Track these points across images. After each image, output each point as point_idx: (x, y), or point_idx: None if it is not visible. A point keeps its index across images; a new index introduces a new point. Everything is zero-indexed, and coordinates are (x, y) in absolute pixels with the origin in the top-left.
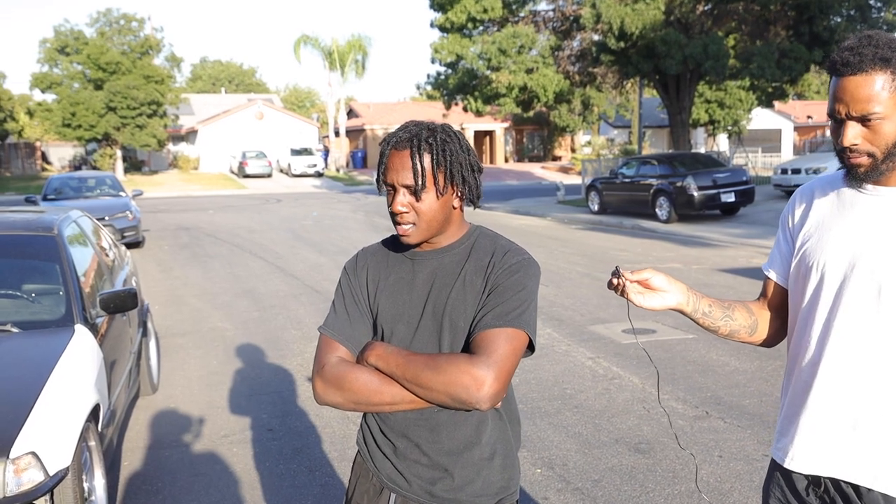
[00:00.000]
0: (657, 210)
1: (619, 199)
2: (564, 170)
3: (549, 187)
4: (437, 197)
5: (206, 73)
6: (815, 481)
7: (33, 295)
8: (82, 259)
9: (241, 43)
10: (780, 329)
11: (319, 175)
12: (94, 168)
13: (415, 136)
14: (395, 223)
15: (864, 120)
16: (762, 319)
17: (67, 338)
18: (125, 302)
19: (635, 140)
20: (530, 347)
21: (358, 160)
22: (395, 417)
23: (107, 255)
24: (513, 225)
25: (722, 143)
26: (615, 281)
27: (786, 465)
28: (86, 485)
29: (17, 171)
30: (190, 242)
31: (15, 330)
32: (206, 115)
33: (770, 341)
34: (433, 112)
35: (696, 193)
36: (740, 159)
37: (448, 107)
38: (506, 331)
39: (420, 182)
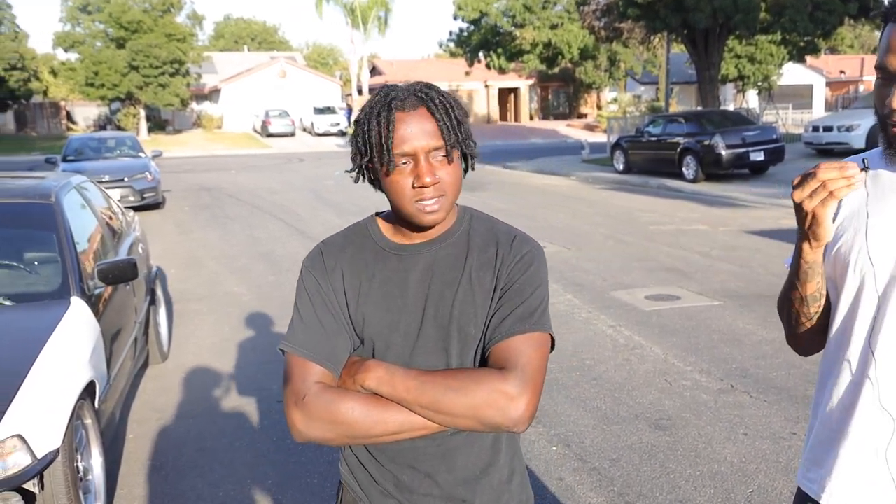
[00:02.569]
0: (684, 169)
1: (645, 158)
2: (590, 127)
3: (573, 146)
4: (460, 163)
5: (228, 31)
6: None
7: (29, 266)
8: (82, 227)
9: (264, 0)
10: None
11: (342, 134)
12: (119, 128)
13: (419, 92)
14: (421, 200)
15: None
16: (821, 316)
17: (62, 311)
18: (125, 272)
19: (662, 97)
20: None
21: None
22: (396, 446)
23: (111, 223)
24: (535, 184)
25: (751, 99)
26: (860, 174)
27: (823, 502)
28: (81, 464)
29: (43, 130)
30: (211, 203)
31: (8, 303)
32: (229, 74)
33: (813, 348)
34: (456, 69)
35: (723, 152)
36: (770, 116)
37: (471, 64)
38: (532, 336)
39: (452, 140)
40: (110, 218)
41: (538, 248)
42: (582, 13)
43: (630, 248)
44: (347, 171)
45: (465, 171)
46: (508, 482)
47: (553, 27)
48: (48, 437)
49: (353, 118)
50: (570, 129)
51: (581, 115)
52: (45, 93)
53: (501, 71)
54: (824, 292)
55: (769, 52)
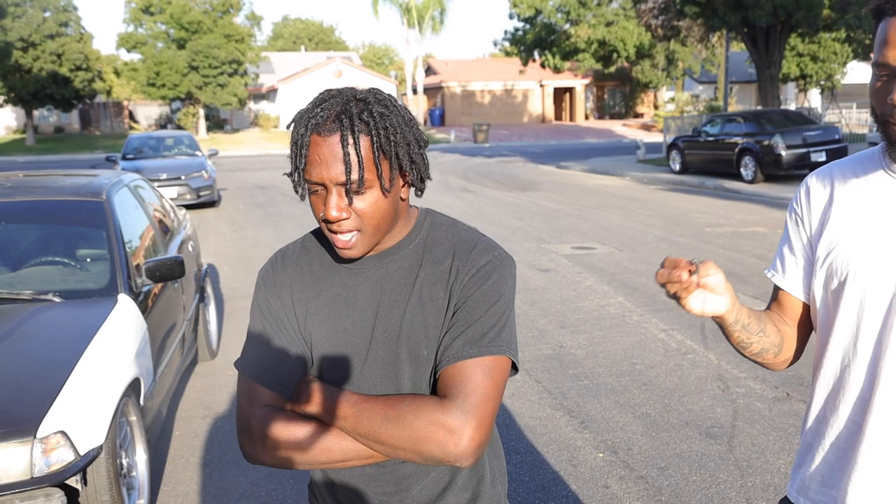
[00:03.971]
0: (742, 170)
1: (702, 159)
2: (646, 127)
3: (629, 146)
4: (384, 194)
5: (287, 32)
6: None
7: (79, 263)
8: (132, 225)
9: (321, 1)
10: (800, 350)
11: None
12: (178, 127)
13: (342, 114)
14: (331, 232)
15: None
16: (786, 338)
17: (109, 308)
18: (171, 270)
19: (721, 96)
20: (513, 367)
21: (436, 118)
22: (348, 473)
23: (162, 221)
24: (589, 185)
25: (814, 99)
26: (685, 276)
27: None
28: (125, 461)
29: (106, 129)
30: (264, 202)
31: (57, 300)
32: (286, 74)
33: (789, 364)
34: (511, 69)
35: (783, 152)
36: (833, 116)
37: (525, 63)
38: (483, 361)
39: (359, 177)
40: (162, 216)
41: (502, 258)
42: (639, 11)
43: (685, 250)
44: (286, 174)
45: (418, 191)
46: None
47: (608, 25)
48: (91, 434)
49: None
50: (625, 129)
51: (637, 115)
52: (108, 93)
53: (556, 70)
54: (753, 339)
55: (833, 50)
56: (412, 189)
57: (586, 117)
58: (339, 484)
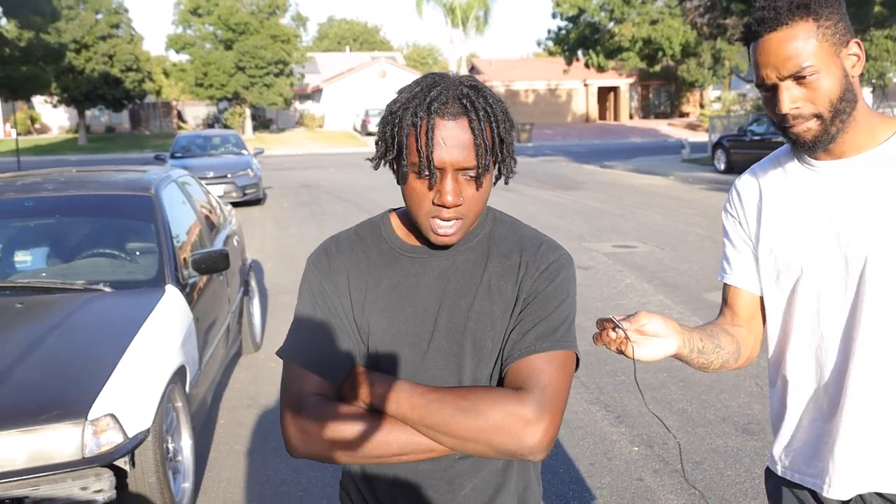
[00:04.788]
0: None
1: (748, 158)
2: (692, 127)
3: (674, 145)
4: (493, 180)
5: (332, 32)
6: (848, 501)
7: (129, 254)
8: (179, 219)
9: (366, 1)
10: (755, 345)
11: None
12: (225, 126)
13: (464, 97)
14: (437, 218)
15: (798, 78)
16: (742, 340)
17: (157, 298)
18: (217, 263)
19: None
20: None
21: None
22: (397, 469)
23: (208, 216)
24: (632, 184)
25: (865, 97)
26: (613, 335)
27: (829, 495)
28: (171, 445)
29: (156, 129)
30: (309, 200)
31: (107, 290)
32: (331, 74)
33: (748, 361)
34: (555, 68)
35: None
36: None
37: (569, 62)
38: (556, 355)
39: (485, 163)
40: (208, 212)
41: (567, 258)
42: (684, 9)
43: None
44: (368, 159)
45: (507, 180)
46: (519, 502)
47: (653, 23)
48: (139, 418)
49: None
50: (671, 129)
51: (683, 115)
52: (157, 93)
53: (600, 69)
54: (711, 358)
55: (885, 47)
56: (503, 178)
57: (631, 117)
58: (383, 482)
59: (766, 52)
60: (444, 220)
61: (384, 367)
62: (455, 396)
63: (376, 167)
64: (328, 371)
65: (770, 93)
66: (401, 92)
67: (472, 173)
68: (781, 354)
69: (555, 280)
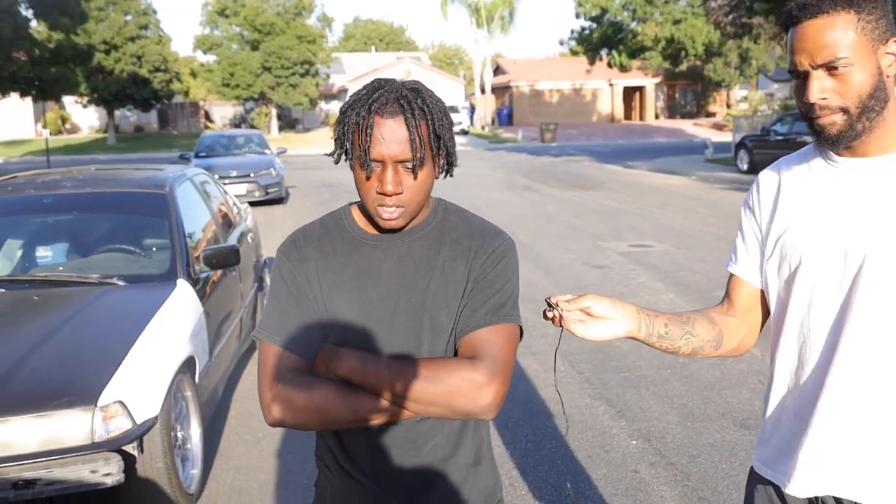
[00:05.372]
0: None
1: (771, 158)
2: (718, 126)
3: (698, 145)
4: (434, 173)
5: (358, 32)
6: (814, 500)
7: (143, 250)
8: (194, 216)
9: (392, 1)
10: (748, 335)
11: (464, 133)
12: (252, 126)
13: (402, 98)
14: (380, 205)
15: (830, 69)
16: (727, 328)
17: (168, 292)
18: (227, 258)
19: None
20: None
21: (504, 117)
22: (365, 433)
23: (223, 213)
24: (653, 184)
25: None
26: (549, 314)
27: (788, 491)
28: (180, 433)
29: (183, 128)
30: (330, 199)
31: (121, 283)
32: (357, 74)
33: (739, 351)
34: (580, 68)
35: None
36: None
37: (592, 62)
38: (503, 327)
39: (420, 155)
40: (223, 209)
41: (510, 242)
42: (708, 9)
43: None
44: (328, 154)
45: (448, 173)
46: (475, 465)
47: (676, 22)
48: (148, 405)
49: (473, 116)
50: (696, 129)
51: (709, 114)
52: (185, 93)
53: (623, 69)
54: (679, 344)
55: None
56: (443, 171)
57: (656, 116)
58: (355, 445)
59: (803, 38)
60: (387, 207)
61: (352, 343)
62: (417, 366)
63: (336, 162)
64: (301, 348)
65: (801, 80)
66: (352, 95)
67: (409, 165)
68: (774, 348)
69: (500, 263)
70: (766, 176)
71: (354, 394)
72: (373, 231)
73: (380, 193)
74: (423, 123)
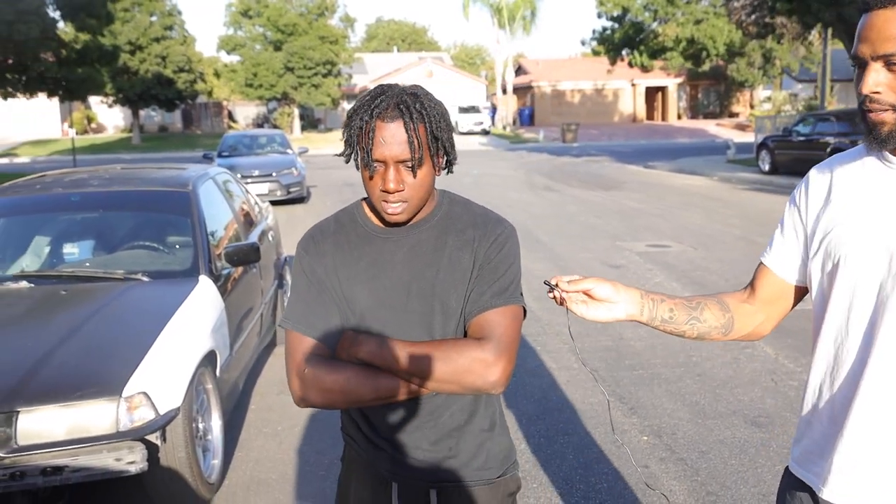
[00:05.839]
0: None
1: (793, 159)
2: (741, 127)
3: (720, 146)
4: (433, 171)
5: (380, 33)
6: None
7: (167, 247)
8: (215, 214)
9: (414, 1)
10: (764, 324)
11: (486, 133)
12: (274, 126)
13: (401, 104)
14: (384, 202)
15: (889, 63)
16: (740, 315)
17: (190, 288)
18: (248, 255)
19: (820, 95)
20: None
21: (525, 117)
22: (388, 407)
23: (244, 212)
24: (674, 184)
25: None
26: (551, 295)
27: (821, 495)
28: (201, 425)
29: (207, 128)
30: (351, 198)
31: (145, 279)
32: (379, 74)
33: (752, 337)
34: (601, 68)
35: None
36: None
37: (613, 62)
38: (507, 309)
39: (418, 156)
40: (244, 207)
41: (511, 229)
42: (730, 9)
43: (761, 249)
44: (338, 155)
45: (448, 171)
46: (490, 431)
47: (697, 23)
48: (170, 397)
49: (495, 116)
50: (719, 129)
51: (733, 115)
52: (209, 93)
53: (644, 69)
54: (685, 328)
55: None
56: (445, 168)
57: (679, 117)
58: (377, 419)
59: (869, 27)
60: (390, 202)
61: (370, 328)
62: (429, 347)
63: (346, 162)
64: (323, 335)
65: (861, 71)
66: (356, 100)
67: (409, 164)
68: (815, 345)
69: (503, 249)
70: (817, 173)
71: (375, 374)
72: (384, 225)
73: (383, 191)
74: (420, 126)
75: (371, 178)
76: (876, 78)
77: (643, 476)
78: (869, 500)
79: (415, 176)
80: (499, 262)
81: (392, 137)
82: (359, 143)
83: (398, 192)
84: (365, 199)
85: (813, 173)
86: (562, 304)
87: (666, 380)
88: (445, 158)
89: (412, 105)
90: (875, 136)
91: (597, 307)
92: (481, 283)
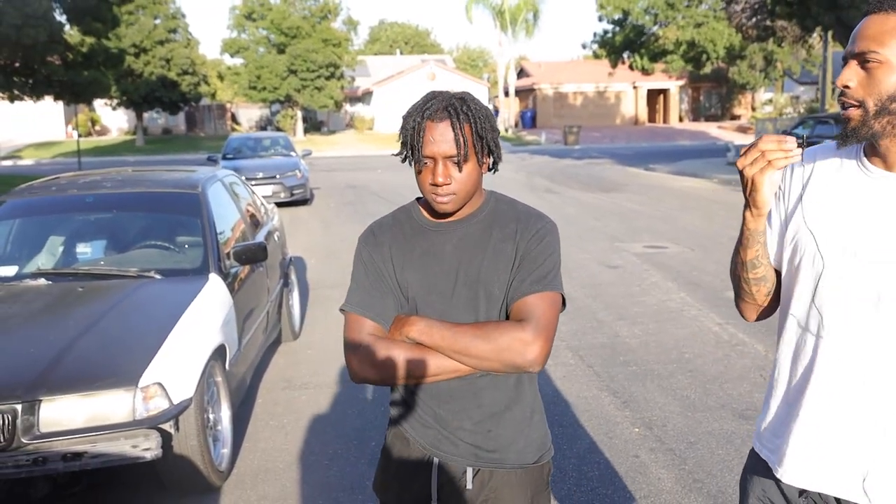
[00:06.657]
0: None
1: None
2: (742, 129)
3: (721, 148)
4: (478, 167)
5: (383, 35)
6: (803, 492)
7: (177, 246)
8: (224, 215)
9: (417, 4)
10: (770, 309)
11: None
12: (278, 128)
13: (449, 106)
14: (434, 194)
15: (862, 60)
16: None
17: (201, 285)
18: (255, 254)
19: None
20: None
21: (527, 120)
22: (435, 386)
23: (251, 213)
24: (674, 187)
25: None
26: (799, 150)
27: (778, 476)
28: (211, 416)
29: (210, 131)
30: (354, 200)
31: (158, 277)
32: (382, 77)
33: (756, 319)
34: (603, 70)
35: None
36: None
37: (614, 65)
38: (546, 295)
39: (465, 152)
40: (251, 209)
41: (552, 224)
42: (730, 12)
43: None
44: (395, 154)
45: (494, 169)
46: (529, 418)
47: (697, 26)
48: (183, 388)
49: (497, 119)
50: (720, 132)
51: (734, 117)
52: (212, 96)
53: (644, 72)
54: (764, 261)
55: None
56: (490, 168)
57: (680, 119)
58: (425, 397)
59: (861, 28)
60: (439, 195)
61: (421, 311)
62: (473, 328)
63: (403, 161)
64: (379, 317)
65: (846, 65)
66: (411, 106)
67: (455, 160)
68: (780, 332)
69: (542, 241)
70: (797, 166)
71: (424, 352)
72: (436, 220)
73: (432, 185)
74: (466, 126)
75: (421, 172)
76: (850, 72)
77: (633, 465)
78: (821, 483)
79: (461, 171)
80: (538, 253)
81: (440, 136)
82: (410, 145)
83: (446, 185)
84: (419, 198)
85: (794, 165)
86: (763, 167)
87: (658, 375)
88: (491, 158)
89: (459, 108)
90: (842, 131)
91: (768, 187)
92: (522, 271)
